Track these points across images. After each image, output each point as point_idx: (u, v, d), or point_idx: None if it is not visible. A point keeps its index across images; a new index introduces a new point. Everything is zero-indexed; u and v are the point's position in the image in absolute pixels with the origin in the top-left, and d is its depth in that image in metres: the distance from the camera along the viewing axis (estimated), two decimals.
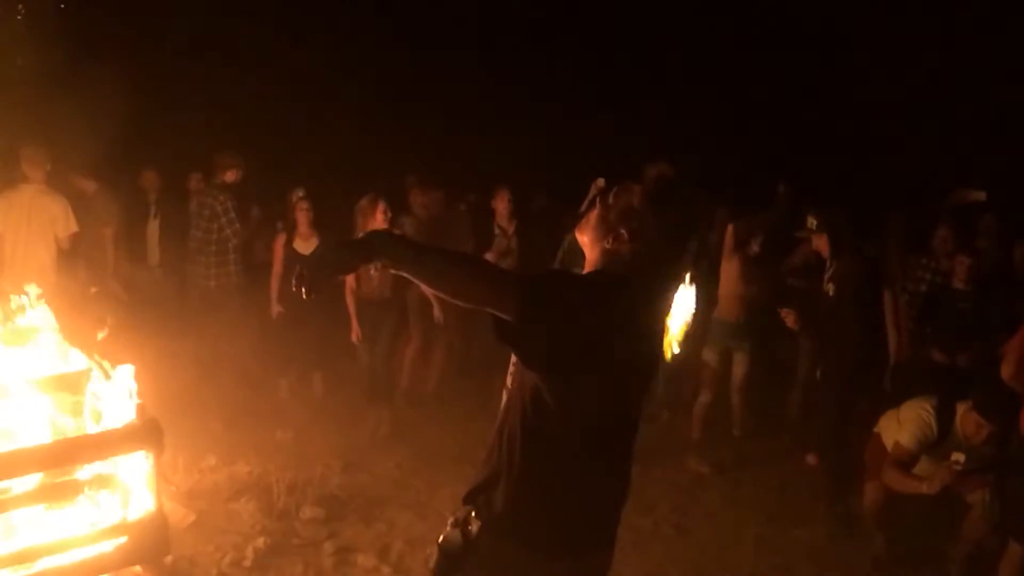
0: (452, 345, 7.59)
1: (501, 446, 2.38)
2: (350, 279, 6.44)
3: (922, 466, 4.97)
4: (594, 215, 2.43)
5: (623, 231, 2.34)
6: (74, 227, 6.95)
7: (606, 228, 2.38)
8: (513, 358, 2.41)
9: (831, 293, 5.66)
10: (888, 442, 5.15)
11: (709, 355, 6.63)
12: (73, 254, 7.11)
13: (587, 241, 2.45)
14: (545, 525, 2.35)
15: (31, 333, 4.29)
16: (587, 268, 2.44)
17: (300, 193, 7.60)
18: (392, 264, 2.22)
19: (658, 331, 2.45)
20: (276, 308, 7.19)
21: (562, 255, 6.21)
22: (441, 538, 2.43)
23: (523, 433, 2.33)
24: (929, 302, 6.47)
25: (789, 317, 5.68)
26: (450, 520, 2.44)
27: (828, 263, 5.77)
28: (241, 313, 7.13)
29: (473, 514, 2.39)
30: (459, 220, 8.00)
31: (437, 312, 7.00)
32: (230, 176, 7.08)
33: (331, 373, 7.51)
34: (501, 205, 7.55)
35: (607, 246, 2.37)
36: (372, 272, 2.34)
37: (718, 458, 6.44)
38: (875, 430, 5.34)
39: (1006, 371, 4.74)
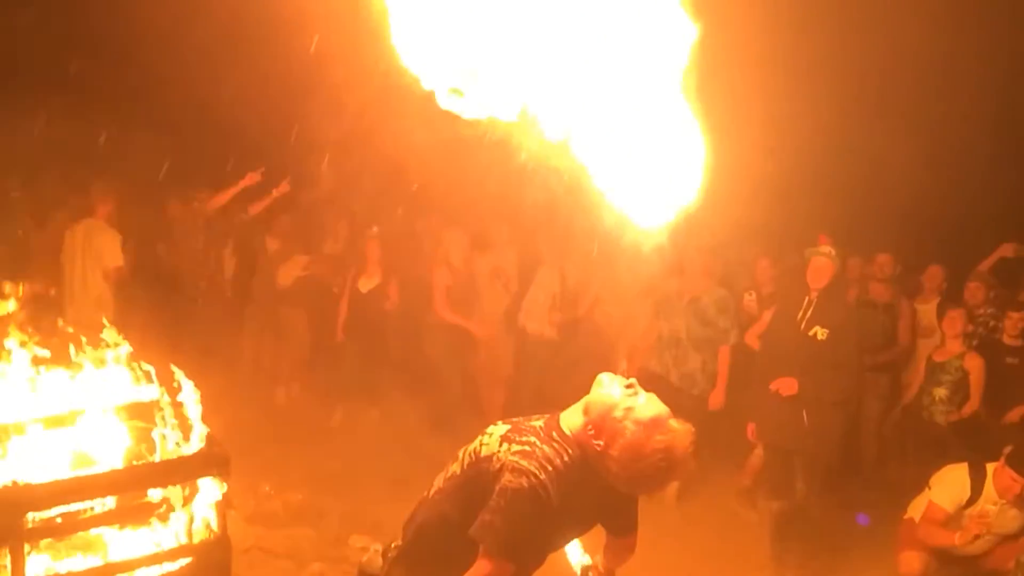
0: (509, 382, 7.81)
1: (420, 522, 2.65)
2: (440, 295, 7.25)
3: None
4: (606, 408, 2.47)
5: (609, 447, 2.44)
6: (119, 261, 7.26)
7: (602, 429, 2.46)
8: (454, 472, 2.62)
9: (820, 337, 5.35)
10: (919, 513, 5.21)
11: None
12: None
13: (585, 415, 2.52)
14: None
15: (103, 362, 4.52)
16: (574, 430, 2.52)
17: (373, 230, 8.02)
18: None
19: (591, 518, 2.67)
20: (341, 335, 7.85)
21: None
22: (364, 558, 2.73)
23: (439, 535, 2.56)
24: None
25: (785, 386, 5.33)
26: (374, 546, 2.75)
27: (809, 300, 5.49)
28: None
29: (395, 545, 2.67)
30: None
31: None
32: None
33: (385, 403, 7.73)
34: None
35: (594, 440, 2.47)
36: None
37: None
38: (906, 516, 5.37)
39: None
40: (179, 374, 4.30)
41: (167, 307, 7.90)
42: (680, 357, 6.51)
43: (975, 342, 6.67)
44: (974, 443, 6.03)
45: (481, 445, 2.51)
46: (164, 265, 8.02)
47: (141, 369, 4.48)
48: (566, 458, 2.45)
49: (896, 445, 6.70)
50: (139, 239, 7.66)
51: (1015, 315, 6.43)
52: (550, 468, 2.41)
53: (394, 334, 7.73)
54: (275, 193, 8.10)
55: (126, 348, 4.57)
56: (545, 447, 2.45)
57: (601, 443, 2.43)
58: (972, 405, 6.36)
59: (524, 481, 2.37)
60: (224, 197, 8.01)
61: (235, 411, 6.33)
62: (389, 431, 7.38)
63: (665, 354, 6.56)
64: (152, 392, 4.34)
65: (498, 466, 2.41)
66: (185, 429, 4.17)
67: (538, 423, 2.55)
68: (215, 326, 8.01)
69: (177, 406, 4.25)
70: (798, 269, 5.90)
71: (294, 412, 7.73)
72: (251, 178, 8.01)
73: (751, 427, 6.04)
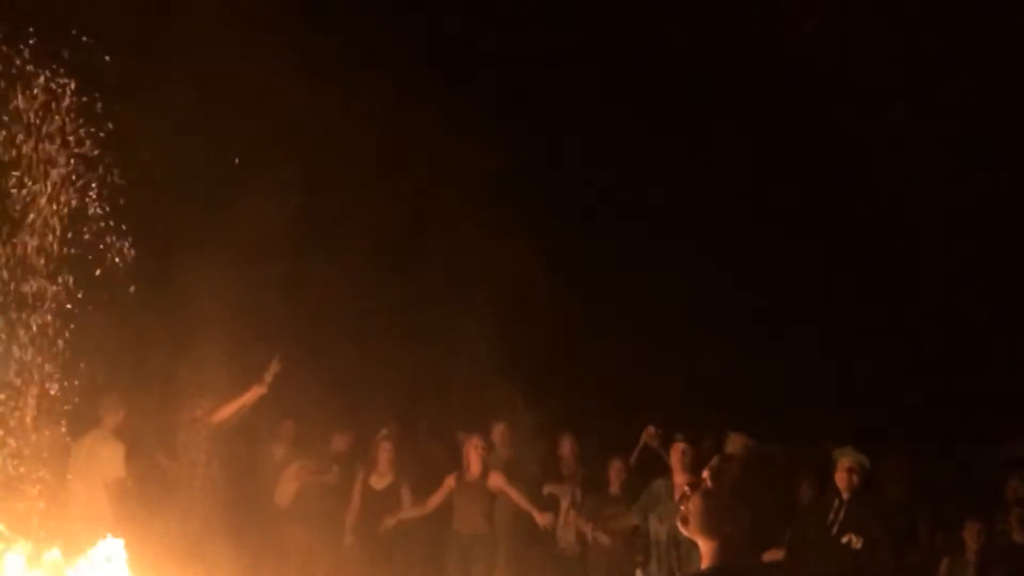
0: None
1: None
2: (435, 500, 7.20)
3: None
4: (699, 503, 2.28)
5: (744, 510, 2.24)
6: (121, 473, 7.20)
7: (721, 512, 2.25)
8: None
9: (855, 545, 5.17)
10: None
11: None
12: None
13: (698, 532, 2.29)
14: None
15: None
16: (707, 562, 2.29)
17: (384, 432, 8.00)
18: None
19: None
20: (349, 538, 7.69)
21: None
22: None
23: None
24: (986, 556, 6.29)
25: None
26: None
27: (840, 502, 5.34)
28: None
29: None
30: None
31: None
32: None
33: None
34: (566, 450, 7.82)
35: (727, 531, 2.25)
36: None
37: None
38: None
39: None
40: None
41: (165, 518, 7.72)
42: (684, 558, 6.28)
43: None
44: None
45: None
46: (163, 475, 7.87)
47: None
48: None
49: None
50: (141, 449, 7.57)
51: (1020, 511, 6.34)
52: None
53: (408, 537, 7.62)
54: (268, 377, 7.77)
55: (124, 561, 4.45)
56: None
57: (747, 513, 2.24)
58: None
59: None
60: (228, 410, 7.84)
61: None
62: None
63: (665, 558, 6.33)
64: None
65: None
66: None
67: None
68: (213, 537, 7.78)
69: None
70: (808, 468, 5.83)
71: None
72: (255, 392, 7.82)
73: None
